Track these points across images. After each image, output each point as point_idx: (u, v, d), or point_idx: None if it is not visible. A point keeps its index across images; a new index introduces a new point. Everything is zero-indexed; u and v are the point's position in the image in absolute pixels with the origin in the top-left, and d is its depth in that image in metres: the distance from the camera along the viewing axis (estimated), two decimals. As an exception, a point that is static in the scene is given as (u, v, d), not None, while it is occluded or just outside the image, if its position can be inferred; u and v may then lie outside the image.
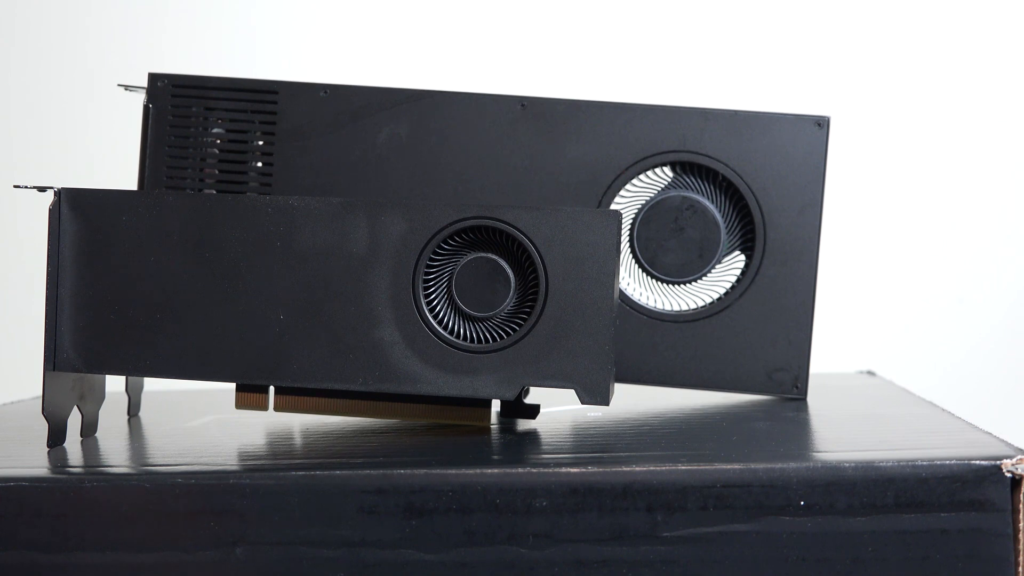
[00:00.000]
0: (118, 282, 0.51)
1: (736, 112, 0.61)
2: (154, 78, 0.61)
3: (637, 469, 0.45)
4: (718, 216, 0.61)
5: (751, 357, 0.61)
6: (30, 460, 0.49)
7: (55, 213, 0.51)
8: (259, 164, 0.61)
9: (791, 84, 1.01)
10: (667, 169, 0.61)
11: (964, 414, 0.55)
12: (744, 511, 0.44)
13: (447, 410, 0.54)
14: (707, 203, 0.61)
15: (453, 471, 0.45)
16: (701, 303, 0.62)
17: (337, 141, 0.60)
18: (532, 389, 0.55)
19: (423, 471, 0.45)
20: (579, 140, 0.60)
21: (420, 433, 0.54)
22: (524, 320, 0.50)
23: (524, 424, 0.56)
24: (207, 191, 0.61)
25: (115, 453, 0.52)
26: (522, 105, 0.61)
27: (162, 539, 0.45)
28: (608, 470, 0.45)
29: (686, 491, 0.44)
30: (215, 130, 0.61)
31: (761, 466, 0.45)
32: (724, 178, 0.61)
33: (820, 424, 0.55)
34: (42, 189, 0.52)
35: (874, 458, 0.45)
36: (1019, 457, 0.44)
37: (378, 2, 1.02)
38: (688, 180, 0.61)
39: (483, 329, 0.51)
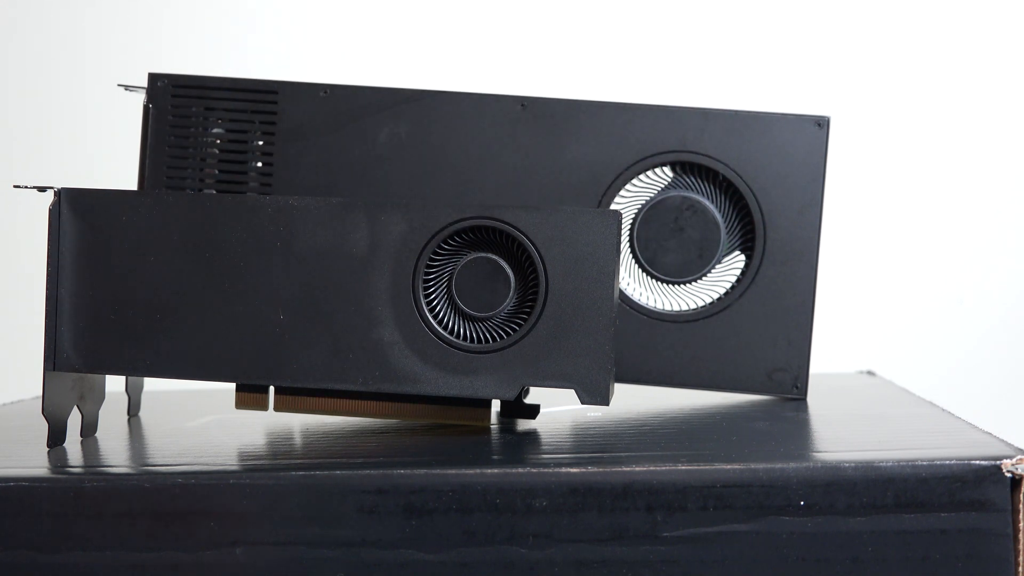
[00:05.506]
0: (118, 282, 0.51)
1: (736, 112, 0.61)
2: (154, 78, 0.61)
3: (637, 469, 0.45)
4: (718, 216, 0.61)
5: (751, 357, 0.61)
6: (30, 460, 0.49)
7: (55, 213, 0.51)
8: (259, 164, 0.61)
9: (791, 84, 1.01)
10: (667, 169, 0.61)
11: (964, 414, 0.55)
12: (744, 511, 0.44)
13: (447, 410, 0.53)
14: (707, 203, 0.61)
15: (453, 471, 0.45)
16: (701, 303, 0.62)
17: (337, 141, 0.60)
18: (532, 389, 0.54)
19: (423, 471, 0.45)
20: (579, 140, 0.60)
21: (420, 433, 0.54)
22: (524, 320, 0.50)
23: (524, 424, 0.56)
24: (207, 191, 0.61)
25: (115, 453, 0.52)
26: (522, 105, 0.61)
27: (162, 539, 0.45)
28: (608, 470, 0.45)
29: (686, 491, 0.44)
30: (215, 130, 0.61)
31: (761, 466, 0.45)
32: (724, 178, 0.61)
33: (820, 424, 0.55)
34: (42, 189, 0.52)
35: (874, 458, 0.45)
36: (1019, 457, 0.44)
37: (378, 2, 1.02)
38: (688, 180, 0.61)
39: (483, 329, 0.51)
